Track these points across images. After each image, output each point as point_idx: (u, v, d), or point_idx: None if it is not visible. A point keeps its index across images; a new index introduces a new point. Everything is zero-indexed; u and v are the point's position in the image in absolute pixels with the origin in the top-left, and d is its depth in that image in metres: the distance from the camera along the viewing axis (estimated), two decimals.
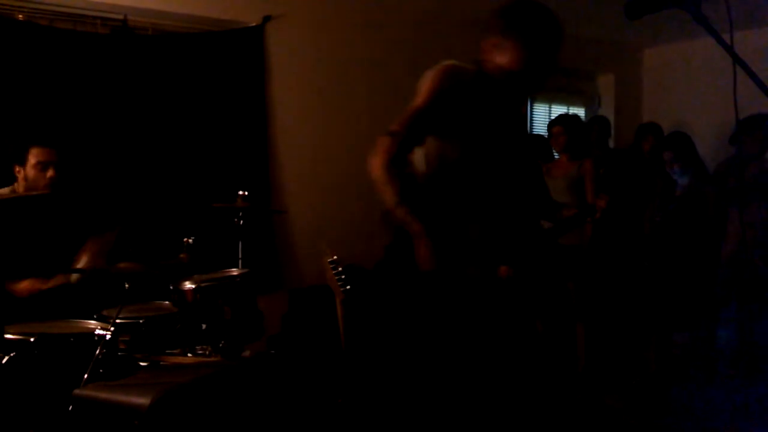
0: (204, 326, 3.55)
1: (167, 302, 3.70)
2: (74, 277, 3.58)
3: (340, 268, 3.13)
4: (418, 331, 2.31)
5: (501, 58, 2.38)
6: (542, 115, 7.00)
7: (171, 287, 3.62)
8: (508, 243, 2.55)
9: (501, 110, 2.55)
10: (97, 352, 2.91)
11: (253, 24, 5.06)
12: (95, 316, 3.36)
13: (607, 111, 7.35)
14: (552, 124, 5.42)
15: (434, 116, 2.41)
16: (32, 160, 3.65)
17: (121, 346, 3.24)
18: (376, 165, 2.35)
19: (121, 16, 4.60)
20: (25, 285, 3.60)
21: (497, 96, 2.49)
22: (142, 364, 3.23)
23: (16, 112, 4.19)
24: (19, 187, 3.69)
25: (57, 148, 3.75)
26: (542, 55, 2.38)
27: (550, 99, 7.21)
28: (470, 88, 2.44)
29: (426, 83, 2.44)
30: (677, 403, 4.76)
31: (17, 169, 3.69)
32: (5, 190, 3.72)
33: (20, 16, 4.33)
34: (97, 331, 3.06)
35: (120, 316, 3.13)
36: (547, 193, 3.97)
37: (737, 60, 1.81)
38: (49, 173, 3.68)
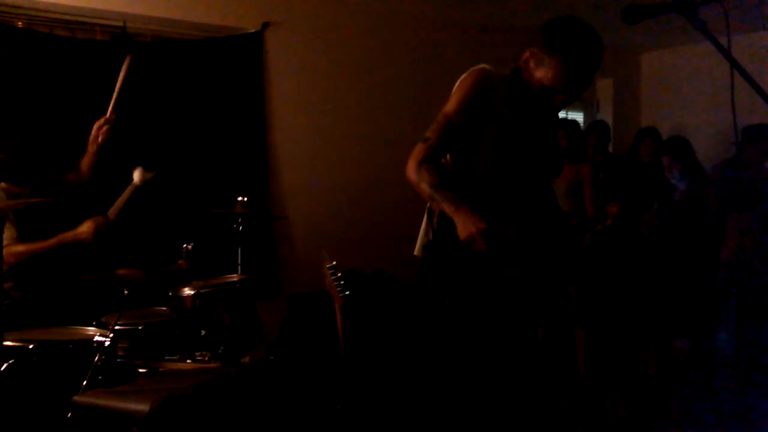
0: (203, 332, 3.54)
1: (166, 308, 3.70)
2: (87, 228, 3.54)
3: (339, 274, 3.14)
4: (416, 338, 2.32)
5: (541, 72, 2.42)
6: None
7: (170, 293, 3.61)
8: (542, 243, 2.56)
9: (533, 120, 2.57)
10: (96, 358, 2.90)
11: (252, 30, 5.07)
12: (94, 323, 3.36)
13: (606, 116, 7.36)
14: None
15: (467, 121, 2.46)
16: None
17: (120, 353, 3.24)
18: (409, 168, 2.45)
19: (120, 23, 4.61)
20: (19, 248, 3.48)
21: (530, 107, 2.52)
22: (141, 370, 3.23)
23: (15, 119, 4.19)
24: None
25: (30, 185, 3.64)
26: (582, 75, 2.42)
27: None
28: (503, 97, 2.49)
29: (460, 89, 2.50)
30: (677, 408, 4.76)
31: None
32: None
33: (19, 23, 4.34)
34: (96, 338, 3.05)
35: (119, 322, 3.12)
36: (555, 200, 3.97)
37: (735, 64, 1.81)
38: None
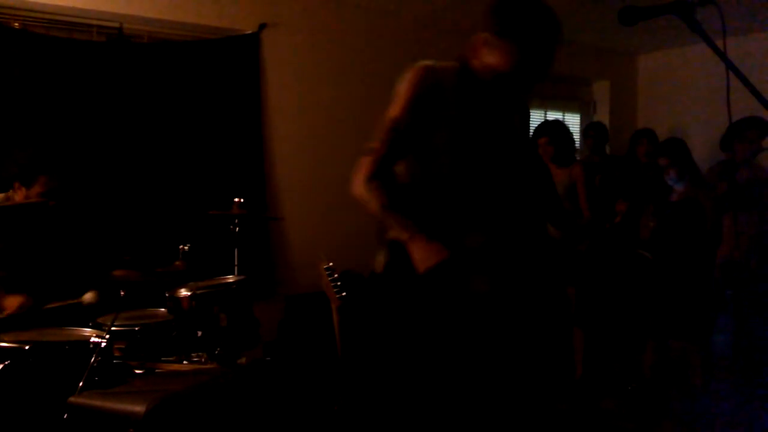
0: (200, 333, 3.55)
1: (163, 309, 3.70)
2: (88, 297, 3.50)
3: (335, 275, 3.13)
4: (414, 339, 2.25)
5: (491, 58, 2.16)
6: (538, 122, 6.99)
7: (167, 294, 3.61)
8: (514, 252, 2.35)
9: (489, 112, 2.32)
10: (93, 359, 2.90)
11: (249, 32, 5.07)
12: (90, 324, 3.35)
13: (603, 117, 7.38)
14: (536, 135, 5.32)
15: (414, 125, 2.22)
16: (38, 188, 3.61)
17: (117, 354, 3.23)
18: (356, 184, 2.23)
19: (117, 24, 4.60)
20: (14, 301, 3.47)
21: (483, 97, 2.28)
22: (137, 371, 3.22)
23: (12, 120, 4.19)
24: (15, 196, 3.67)
25: (63, 178, 3.70)
26: (537, 57, 2.16)
27: (545, 105, 7.23)
28: (452, 91, 2.25)
29: (402, 90, 2.25)
30: (673, 409, 4.76)
31: (17, 185, 3.66)
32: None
33: (16, 24, 4.34)
34: (93, 339, 3.04)
35: (115, 323, 3.12)
36: (560, 200, 3.95)
37: (730, 66, 1.82)
38: (49, 199, 3.64)
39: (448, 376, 2.24)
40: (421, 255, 2.08)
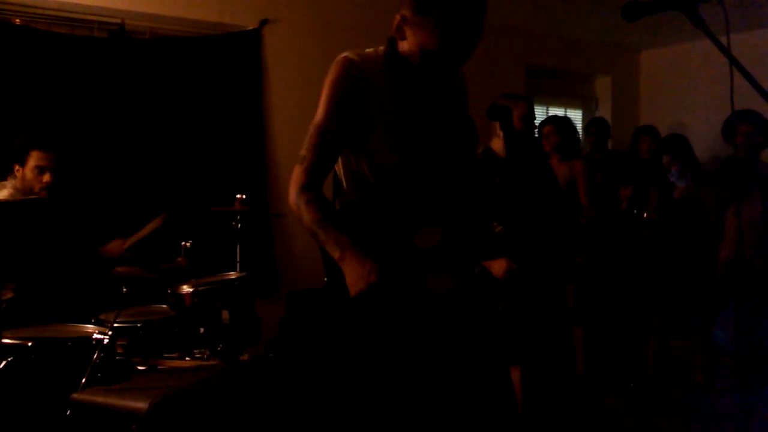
0: (202, 330, 3.55)
1: (165, 306, 3.70)
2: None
3: None
4: (415, 335, 2.17)
5: (420, 38, 1.99)
6: (540, 118, 6.98)
7: (169, 291, 3.62)
8: (466, 245, 2.14)
9: (424, 96, 2.16)
10: (95, 356, 2.90)
11: (251, 27, 5.06)
12: (93, 320, 3.36)
13: (605, 113, 7.36)
14: (543, 124, 5.41)
15: (342, 128, 2.07)
16: (32, 162, 3.67)
17: (119, 350, 3.24)
18: (291, 197, 2.09)
19: (118, 20, 4.60)
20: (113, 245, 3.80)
21: (415, 82, 2.11)
22: (139, 368, 3.23)
23: (15, 115, 4.19)
24: (17, 182, 3.70)
25: (57, 153, 3.77)
26: (466, 28, 1.96)
27: (548, 101, 7.22)
28: (381, 81, 2.09)
29: (325, 90, 2.10)
30: (675, 405, 4.77)
31: (16, 167, 3.71)
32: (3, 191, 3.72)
33: (17, 20, 4.33)
34: (95, 335, 3.05)
35: (118, 320, 3.13)
36: (565, 196, 3.93)
37: (734, 62, 1.81)
38: (46, 178, 3.69)
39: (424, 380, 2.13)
40: (351, 277, 1.93)
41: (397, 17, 2.03)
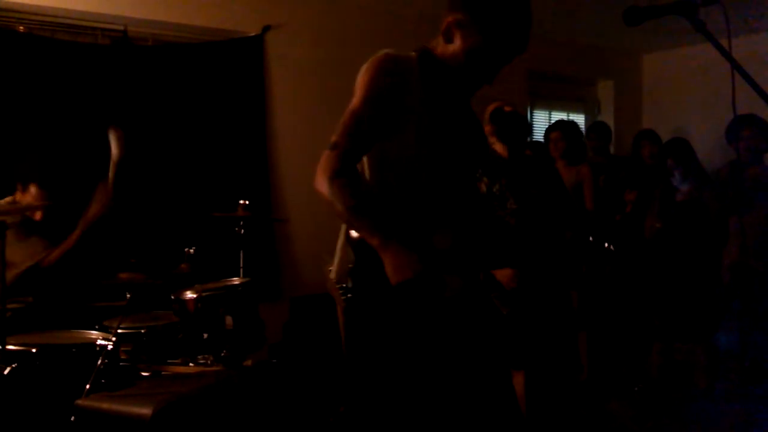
0: (205, 336, 3.55)
1: (169, 312, 3.71)
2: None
3: None
4: (416, 342, 2.19)
5: (465, 40, 2.06)
6: (542, 122, 7.00)
7: (172, 297, 3.62)
8: (482, 247, 2.23)
9: (452, 101, 2.21)
10: (99, 362, 2.91)
11: (253, 34, 5.07)
12: (97, 327, 3.37)
13: (607, 117, 7.35)
14: (550, 129, 5.42)
15: (378, 118, 2.08)
16: (28, 196, 3.73)
17: (123, 356, 3.24)
18: (321, 182, 2.05)
19: (121, 27, 4.61)
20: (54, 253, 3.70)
21: (447, 85, 2.17)
22: (143, 374, 3.23)
23: (16, 123, 4.20)
24: (22, 199, 3.72)
25: (53, 190, 3.82)
26: (512, 36, 2.06)
27: (550, 106, 7.23)
28: (416, 80, 2.11)
29: (365, 82, 2.10)
30: (680, 410, 4.76)
31: (20, 185, 3.73)
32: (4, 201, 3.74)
33: (21, 28, 4.35)
34: (99, 342, 3.06)
35: (121, 326, 3.13)
36: (572, 202, 3.92)
37: (735, 66, 1.82)
38: (38, 216, 3.77)
39: (444, 380, 2.17)
40: (394, 264, 1.94)
41: (448, 19, 2.08)
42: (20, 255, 3.56)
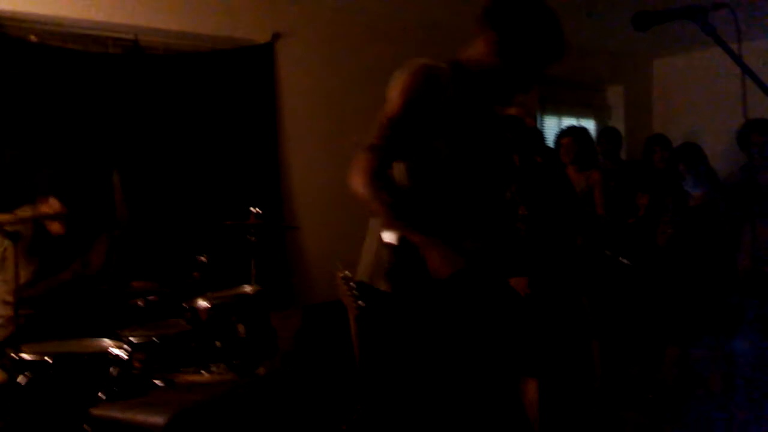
0: (218, 344, 3.55)
1: (181, 320, 3.71)
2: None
3: (353, 284, 3.13)
4: (435, 346, 2.21)
5: (477, 50, 2.21)
6: (552, 128, 6.99)
7: (185, 305, 3.63)
8: (508, 254, 2.33)
9: (481, 109, 2.29)
10: (112, 371, 2.92)
11: (263, 42, 5.09)
12: (110, 336, 3.38)
13: (617, 122, 7.33)
14: (561, 135, 5.41)
15: (413, 124, 2.15)
16: (47, 207, 3.73)
17: (136, 365, 3.25)
18: (359, 183, 2.12)
19: (132, 37, 4.64)
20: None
21: (479, 96, 2.26)
22: (157, 382, 3.23)
23: (28, 132, 4.22)
24: (42, 208, 3.75)
25: (72, 205, 3.82)
26: (522, 48, 2.17)
27: (560, 111, 7.21)
28: (449, 89, 2.18)
29: (398, 87, 2.19)
30: (694, 417, 4.72)
31: (39, 198, 3.75)
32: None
33: (32, 37, 4.37)
34: (112, 350, 3.07)
35: (134, 334, 3.14)
36: (583, 208, 3.92)
37: (746, 70, 1.81)
38: (56, 228, 3.77)
39: (471, 387, 2.21)
40: (439, 260, 2.01)
41: (482, 36, 2.20)
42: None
